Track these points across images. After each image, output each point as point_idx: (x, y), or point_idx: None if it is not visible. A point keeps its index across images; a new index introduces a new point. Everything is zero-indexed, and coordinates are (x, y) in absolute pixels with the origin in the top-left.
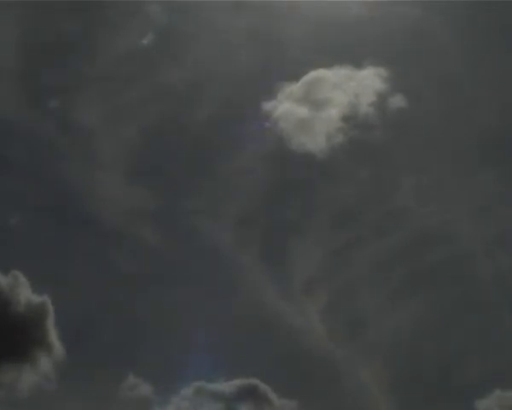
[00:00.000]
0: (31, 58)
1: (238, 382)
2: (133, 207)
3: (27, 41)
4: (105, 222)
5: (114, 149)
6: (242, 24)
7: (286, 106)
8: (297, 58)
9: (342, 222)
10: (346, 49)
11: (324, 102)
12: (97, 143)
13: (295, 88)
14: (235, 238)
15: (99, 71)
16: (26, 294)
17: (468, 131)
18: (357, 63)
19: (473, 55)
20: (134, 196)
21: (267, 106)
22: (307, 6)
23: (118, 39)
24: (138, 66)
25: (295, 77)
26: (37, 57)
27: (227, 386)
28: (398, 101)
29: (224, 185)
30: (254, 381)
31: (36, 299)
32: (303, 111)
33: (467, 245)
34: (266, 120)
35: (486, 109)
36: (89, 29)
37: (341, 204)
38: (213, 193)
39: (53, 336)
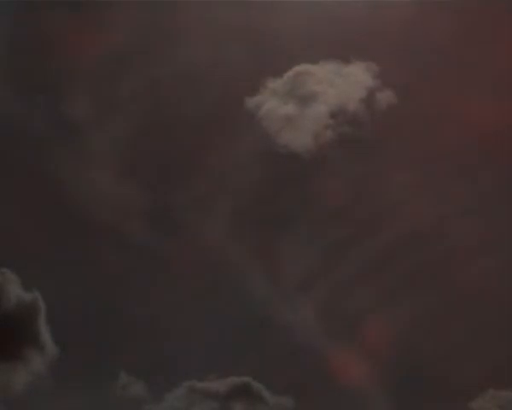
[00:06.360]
0: (21, 55)
1: (231, 380)
2: (124, 204)
3: (18, 38)
4: (97, 219)
5: (106, 146)
6: (228, 19)
7: (273, 102)
8: (284, 53)
9: (334, 219)
10: (333, 43)
11: (312, 98)
12: (87, 139)
13: (281, 83)
14: (228, 235)
15: (89, 67)
16: (16, 291)
17: (460, 127)
18: (345, 58)
19: (465, 50)
20: (124, 192)
21: (253, 101)
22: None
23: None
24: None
25: (281, 72)
26: (26, 53)
27: (220, 385)
28: (388, 96)
29: (217, 182)
30: (247, 379)
31: (26, 296)
32: (289, 107)
33: (462, 243)
34: (252, 116)
35: (480, 105)
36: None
37: (334, 202)
38: (205, 189)
39: (44, 334)
